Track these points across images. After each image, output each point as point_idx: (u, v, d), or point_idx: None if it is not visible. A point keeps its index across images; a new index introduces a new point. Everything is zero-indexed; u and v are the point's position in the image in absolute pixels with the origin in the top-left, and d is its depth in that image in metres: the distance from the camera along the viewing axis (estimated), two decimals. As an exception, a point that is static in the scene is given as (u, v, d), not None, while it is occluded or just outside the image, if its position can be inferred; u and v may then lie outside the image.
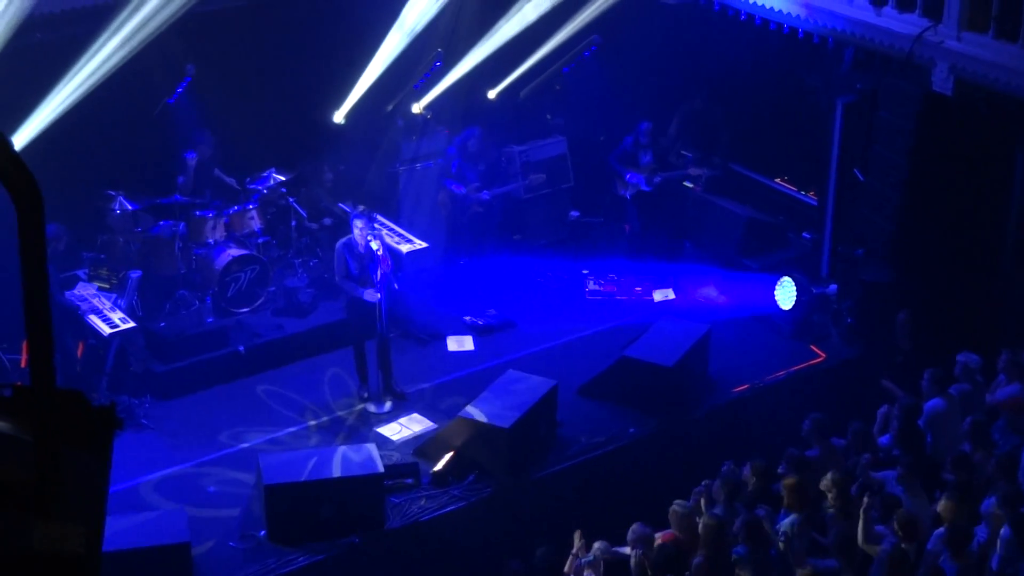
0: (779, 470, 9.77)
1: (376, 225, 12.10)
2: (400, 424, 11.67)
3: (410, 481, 10.68)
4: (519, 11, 13.95)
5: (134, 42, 11.62)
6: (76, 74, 11.51)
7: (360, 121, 13.91)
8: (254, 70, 13.63)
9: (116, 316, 11.61)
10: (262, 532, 10.12)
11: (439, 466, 10.79)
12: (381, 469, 10.20)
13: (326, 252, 13.11)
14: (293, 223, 13.50)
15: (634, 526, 8.93)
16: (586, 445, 11.43)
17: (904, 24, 12.11)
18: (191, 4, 11.84)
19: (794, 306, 13.16)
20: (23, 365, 11.06)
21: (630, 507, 9.70)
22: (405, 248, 13.27)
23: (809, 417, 10.40)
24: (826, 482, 9.28)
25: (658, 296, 14.06)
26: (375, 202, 13.58)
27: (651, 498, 9.89)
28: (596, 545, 8.93)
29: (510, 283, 13.99)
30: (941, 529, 8.74)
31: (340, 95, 13.74)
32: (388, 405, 11.88)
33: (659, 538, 9.07)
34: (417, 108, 14.04)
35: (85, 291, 11.96)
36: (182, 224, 12.54)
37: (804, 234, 14.53)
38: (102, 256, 12.45)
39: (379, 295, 11.46)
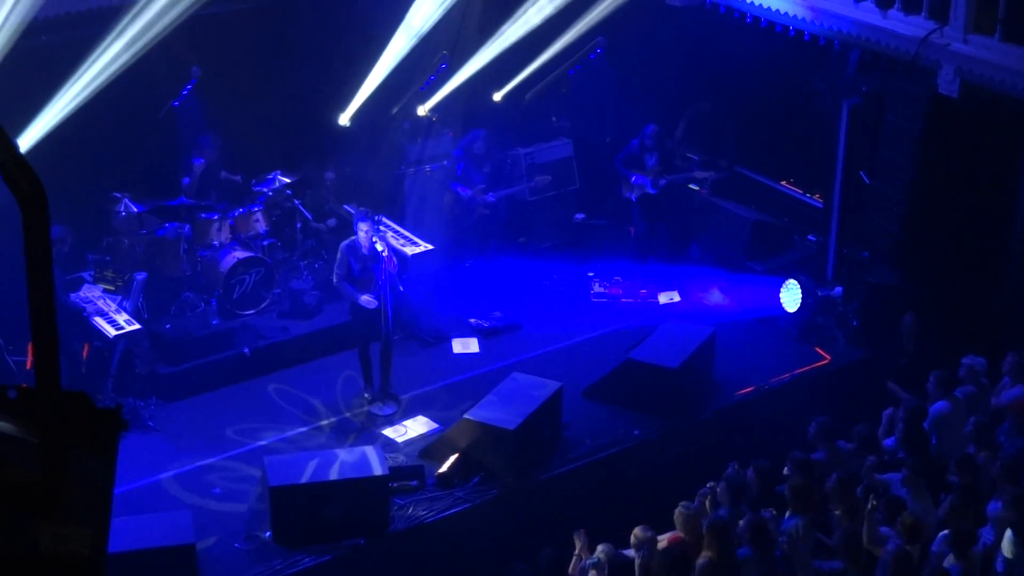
0: (784, 472, 9.77)
1: (381, 227, 12.09)
2: (405, 426, 11.66)
3: (415, 483, 10.68)
4: (524, 13, 13.94)
5: (139, 44, 11.62)
6: (81, 76, 11.51)
7: (365, 123, 13.91)
8: (259, 72, 13.62)
9: (121, 318, 11.62)
10: (267, 533, 10.13)
11: (444, 468, 10.78)
12: (386, 471, 10.20)
13: (331, 254, 13.07)
14: (298, 225, 13.51)
15: (638, 529, 8.92)
16: (591, 447, 11.42)
17: (910, 26, 12.10)
18: (197, 6, 11.85)
19: (799, 308, 13.16)
20: (28, 367, 11.07)
21: (635, 509, 9.68)
22: (410, 250, 13.24)
23: (815, 420, 10.39)
24: (831, 485, 9.29)
25: (663, 298, 14.05)
26: (380, 204, 13.57)
27: (656, 500, 9.89)
28: (600, 547, 8.92)
29: (515, 285, 13.99)
30: (946, 531, 8.74)
31: (345, 97, 13.74)
32: (393, 407, 11.88)
33: (664, 540, 9.07)
34: (423, 110, 14.02)
35: (90, 293, 11.97)
36: (187, 226, 12.54)
37: (810, 236, 14.53)
38: (107, 258, 12.45)
39: (376, 303, 11.43)
